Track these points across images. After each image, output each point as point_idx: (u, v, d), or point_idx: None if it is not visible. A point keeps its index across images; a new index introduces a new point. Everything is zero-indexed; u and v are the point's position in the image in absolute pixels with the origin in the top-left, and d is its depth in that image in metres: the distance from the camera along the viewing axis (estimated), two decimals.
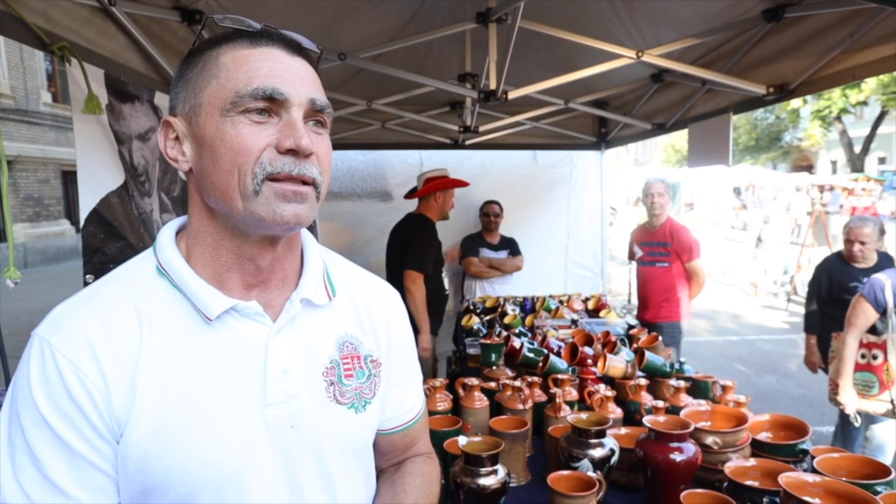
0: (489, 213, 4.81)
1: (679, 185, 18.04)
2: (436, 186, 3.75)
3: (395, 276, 3.60)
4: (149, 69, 2.47)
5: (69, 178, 17.49)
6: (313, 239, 0.96)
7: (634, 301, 4.48)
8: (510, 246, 4.86)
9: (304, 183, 0.78)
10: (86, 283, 1.98)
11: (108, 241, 2.05)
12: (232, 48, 0.80)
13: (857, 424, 3.13)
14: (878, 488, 1.48)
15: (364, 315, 0.95)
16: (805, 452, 1.76)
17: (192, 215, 0.85)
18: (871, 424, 2.90)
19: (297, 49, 0.83)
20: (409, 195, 3.98)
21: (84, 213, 1.99)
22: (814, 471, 1.56)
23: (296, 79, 0.79)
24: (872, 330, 2.80)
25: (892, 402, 2.59)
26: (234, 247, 0.82)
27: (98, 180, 2.05)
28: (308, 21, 2.58)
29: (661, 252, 4.22)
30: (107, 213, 2.04)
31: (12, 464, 0.73)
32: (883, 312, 2.74)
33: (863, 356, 2.76)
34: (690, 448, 1.68)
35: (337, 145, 5.05)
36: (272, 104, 0.77)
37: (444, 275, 3.84)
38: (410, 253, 3.57)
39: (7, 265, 1.68)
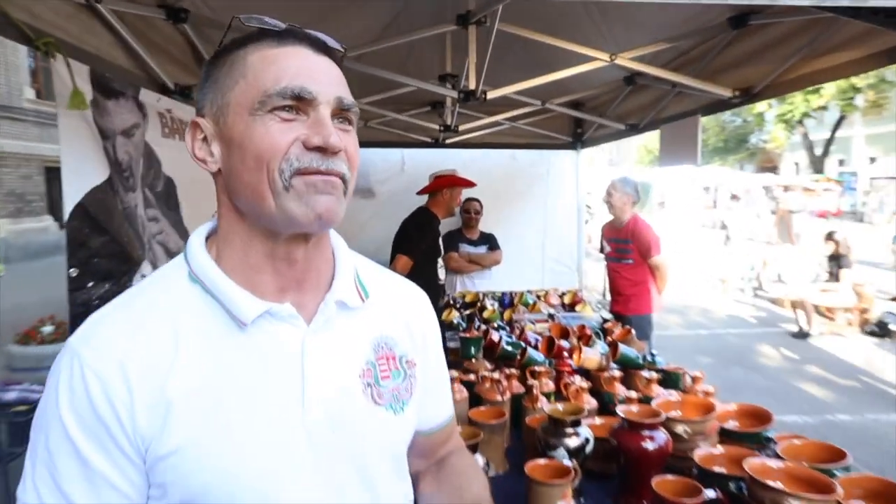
0: (469, 210, 4.81)
1: (651, 184, 18.18)
2: (441, 183, 3.85)
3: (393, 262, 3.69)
4: (134, 66, 2.43)
5: (52, 175, 17.03)
6: (343, 242, 0.93)
7: (609, 296, 4.52)
8: (489, 241, 4.86)
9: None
10: (70, 277, 1.95)
11: (93, 235, 2.01)
12: (258, 47, 0.78)
13: None
14: (836, 472, 1.52)
15: (396, 316, 0.94)
16: (769, 439, 1.79)
17: (220, 218, 0.83)
18: None
19: (322, 48, 0.81)
20: (421, 192, 4.06)
21: (68, 207, 1.95)
22: (777, 457, 1.59)
23: (323, 77, 0.78)
24: None
25: None
26: (265, 248, 0.80)
27: (82, 175, 2.01)
28: (292, 20, 2.54)
29: (625, 249, 4.27)
30: (91, 207, 2.00)
31: (33, 469, 0.73)
32: None
33: None
34: (662, 436, 1.71)
35: None
36: (300, 103, 0.76)
37: (439, 266, 3.87)
38: (403, 239, 3.72)
39: None
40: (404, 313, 0.95)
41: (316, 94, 0.76)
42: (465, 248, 4.77)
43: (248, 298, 0.78)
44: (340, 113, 0.80)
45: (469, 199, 4.84)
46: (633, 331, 3.09)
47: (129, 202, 2.22)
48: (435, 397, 1.01)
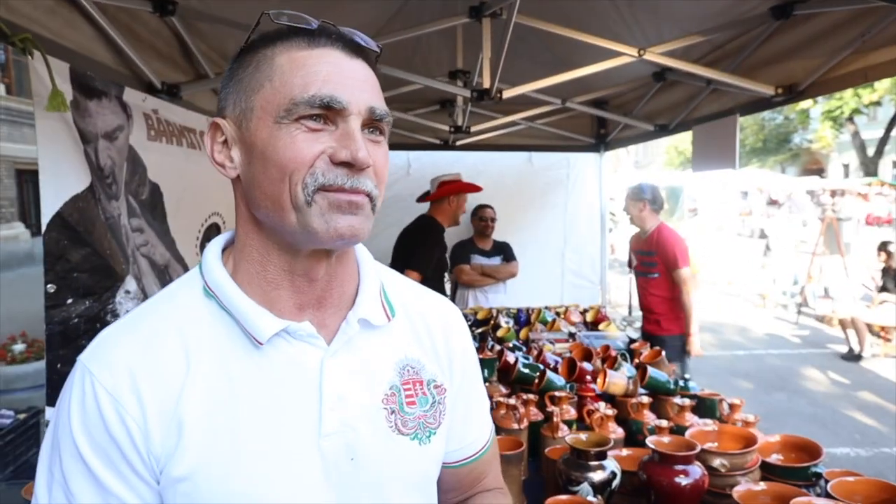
0: (484, 218, 4.83)
1: (681, 189, 18.13)
2: (449, 190, 3.91)
3: None
4: (118, 63, 2.47)
5: (24, 178, 17.21)
6: (368, 254, 0.95)
7: (636, 313, 4.52)
8: (504, 251, 4.88)
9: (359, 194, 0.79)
10: (47, 293, 1.97)
11: (72, 247, 2.03)
12: (287, 48, 0.80)
13: None
14: None
15: (424, 335, 0.95)
16: (818, 476, 1.78)
17: (238, 228, 0.86)
18: None
19: (356, 49, 0.82)
20: (422, 199, 4.12)
21: (46, 217, 1.97)
22: (828, 496, 1.58)
23: (355, 84, 0.79)
24: None
25: None
26: (283, 262, 0.82)
27: (62, 182, 2.03)
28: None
29: (650, 262, 4.28)
30: (71, 217, 2.02)
31: (49, 493, 0.77)
32: None
33: None
34: (696, 471, 1.70)
35: None
36: (329, 112, 0.77)
37: (446, 279, 3.92)
38: (413, 253, 3.77)
39: None
40: (433, 332, 0.96)
41: (346, 105, 0.77)
42: (478, 260, 4.79)
43: (264, 316, 0.81)
44: (372, 123, 0.81)
45: (482, 206, 4.86)
46: (666, 353, 3.08)
47: (111, 211, 2.24)
48: (464, 426, 1.01)
